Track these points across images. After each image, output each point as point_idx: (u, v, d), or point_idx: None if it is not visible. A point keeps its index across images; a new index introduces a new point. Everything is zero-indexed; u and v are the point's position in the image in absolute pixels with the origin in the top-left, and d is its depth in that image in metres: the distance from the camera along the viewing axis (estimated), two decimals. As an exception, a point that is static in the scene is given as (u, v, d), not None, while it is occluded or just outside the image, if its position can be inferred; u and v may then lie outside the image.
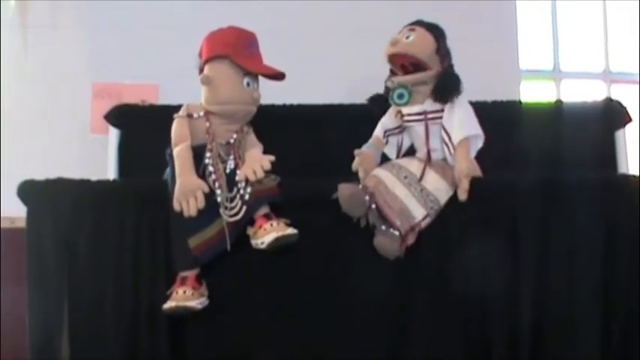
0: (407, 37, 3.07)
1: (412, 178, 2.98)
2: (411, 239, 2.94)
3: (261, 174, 2.90)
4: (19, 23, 4.51)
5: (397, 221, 2.91)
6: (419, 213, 2.93)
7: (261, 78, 3.14)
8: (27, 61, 4.50)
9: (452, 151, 3.00)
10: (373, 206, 2.93)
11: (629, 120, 3.71)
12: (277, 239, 2.83)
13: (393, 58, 3.11)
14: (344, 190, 2.91)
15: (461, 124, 3.00)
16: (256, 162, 2.94)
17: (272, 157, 2.95)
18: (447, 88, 3.02)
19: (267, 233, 2.84)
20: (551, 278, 2.93)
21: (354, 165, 3.07)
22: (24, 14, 4.52)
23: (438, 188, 2.97)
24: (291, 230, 2.87)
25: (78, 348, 2.96)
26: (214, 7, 4.37)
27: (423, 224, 2.95)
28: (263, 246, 2.85)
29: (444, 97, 3.02)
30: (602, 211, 2.97)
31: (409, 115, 3.10)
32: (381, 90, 3.20)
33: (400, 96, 3.06)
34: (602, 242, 2.94)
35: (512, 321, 2.93)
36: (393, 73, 3.16)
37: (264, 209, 2.93)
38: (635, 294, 2.91)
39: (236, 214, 2.92)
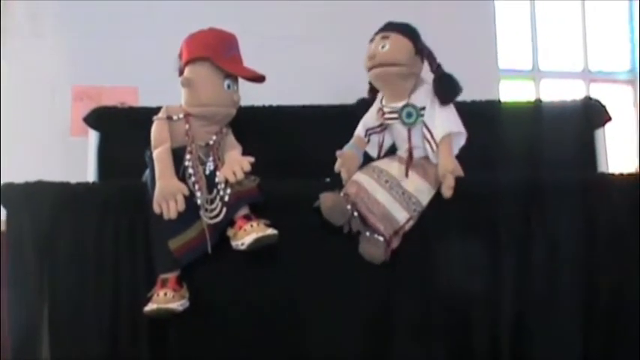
0: (382, 47, 3.03)
1: (393, 181, 2.97)
2: (395, 243, 2.94)
3: (240, 175, 2.90)
4: (-2, 28, 4.51)
5: (381, 226, 2.91)
6: (402, 216, 2.93)
7: (240, 80, 3.13)
8: (6, 65, 4.49)
9: (434, 147, 2.98)
10: (355, 214, 2.93)
11: (609, 119, 3.72)
12: (257, 240, 2.82)
13: (372, 69, 3.10)
14: (326, 199, 2.91)
15: (443, 121, 2.99)
16: (236, 163, 2.94)
17: (251, 159, 2.95)
18: (448, 88, 3.00)
19: (248, 234, 2.84)
20: (533, 278, 2.94)
21: (337, 166, 3.06)
22: (3, 19, 4.51)
23: (420, 189, 2.96)
24: (270, 231, 2.86)
25: (58, 350, 2.94)
26: (194, 10, 4.38)
27: (407, 227, 2.95)
28: (243, 247, 2.84)
29: (447, 98, 3.00)
30: (582, 210, 2.98)
31: (391, 112, 3.09)
32: (360, 91, 3.21)
33: (409, 115, 3.05)
34: (582, 241, 2.96)
35: (494, 321, 2.94)
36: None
37: (244, 210, 2.92)
38: (616, 293, 2.93)
39: (216, 216, 2.91)
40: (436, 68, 3.07)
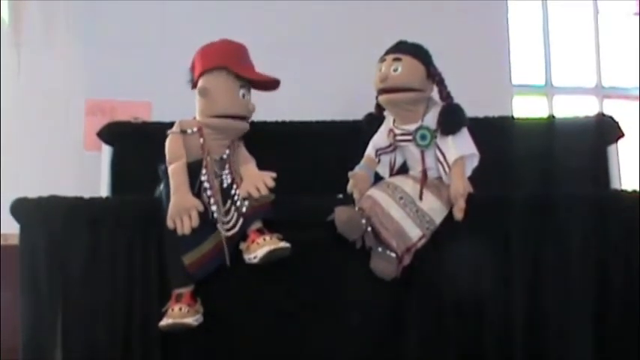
0: (395, 70, 3.01)
1: (407, 198, 2.96)
2: (407, 260, 2.93)
3: (265, 191, 2.92)
4: (13, 42, 4.53)
5: (393, 243, 2.90)
6: (415, 234, 2.93)
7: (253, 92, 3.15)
8: (21, 79, 4.51)
9: (447, 170, 2.99)
10: (369, 229, 2.92)
11: (622, 135, 3.71)
12: (270, 252, 2.82)
13: (383, 91, 3.09)
14: (341, 213, 2.90)
15: (456, 144, 2.98)
16: (259, 179, 2.95)
17: (273, 174, 2.96)
18: (452, 122, 2.99)
19: (260, 247, 2.84)
20: (545, 295, 2.93)
21: (349, 187, 3.06)
22: (17, 33, 4.54)
23: (434, 208, 2.96)
24: (283, 244, 2.86)
25: (71, 364, 2.96)
26: (206, 25, 4.39)
27: (419, 245, 2.94)
28: (256, 260, 2.85)
29: (449, 131, 2.99)
30: (595, 227, 2.97)
31: (402, 135, 3.09)
32: (370, 107, 3.21)
33: (423, 137, 3.05)
34: (595, 257, 2.95)
35: (506, 338, 2.92)
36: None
37: (257, 224, 2.93)
38: (629, 311, 2.92)
39: (233, 227, 2.92)
40: (445, 97, 3.05)
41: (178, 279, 2.92)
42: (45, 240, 3.00)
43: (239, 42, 3.16)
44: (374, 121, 3.20)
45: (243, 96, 3.08)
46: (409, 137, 3.06)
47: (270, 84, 3.16)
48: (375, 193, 3.00)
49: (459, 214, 2.92)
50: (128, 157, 3.74)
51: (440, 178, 3.03)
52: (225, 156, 3.05)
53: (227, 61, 3.06)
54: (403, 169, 3.17)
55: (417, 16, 4.62)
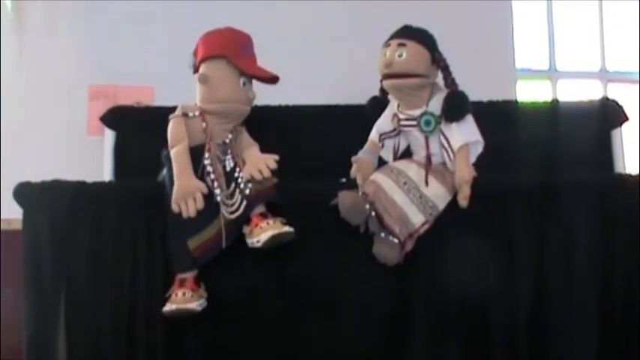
0: (399, 56, 3.00)
1: (411, 183, 2.96)
2: (409, 246, 2.93)
3: (267, 173, 2.92)
4: (16, 28, 4.52)
5: (396, 228, 2.90)
6: (418, 219, 2.93)
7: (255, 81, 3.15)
8: (23, 65, 4.51)
9: (451, 156, 2.98)
10: (373, 214, 2.91)
11: (626, 119, 3.70)
12: (273, 237, 2.82)
13: (387, 77, 3.07)
14: (345, 198, 2.90)
15: (460, 130, 2.98)
16: (261, 162, 2.95)
17: (276, 157, 2.96)
18: (456, 109, 2.98)
19: (264, 231, 2.83)
20: (550, 281, 2.93)
21: (352, 172, 3.06)
22: (20, 19, 4.53)
23: (437, 194, 2.95)
24: (287, 228, 2.86)
25: (74, 350, 2.94)
26: (209, 10, 4.39)
27: (422, 230, 2.94)
28: (259, 244, 2.84)
29: (453, 118, 2.98)
30: (599, 212, 2.97)
31: (407, 120, 3.08)
32: (374, 92, 3.20)
33: (427, 123, 3.04)
34: (599, 242, 2.94)
35: (510, 324, 2.93)
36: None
37: (261, 208, 2.92)
38: (634, 295, 2.91)
39: (236, 210, 2.91)
40: (450, 83, 3.04)
41: (182, 264, 2.92)
42: (48, 224, 3.00)
43: (243, 32, 3.16)
44: (378, 104, 3.19)
45: (244, 84, 3.08)
46: (413, 122, 3.05)
47: (269, 79, 3.15)
48: (379, 177, 3.00)
49: (463, 202, 2.92)
50: (131, 142, 3.73)
51: (444, 163, 3.02)
52: (227, 140, 3.05)
53: (228, 52, 3.07)
54: (407, 153, 3.16)
55: (422, 1, 4.59)
